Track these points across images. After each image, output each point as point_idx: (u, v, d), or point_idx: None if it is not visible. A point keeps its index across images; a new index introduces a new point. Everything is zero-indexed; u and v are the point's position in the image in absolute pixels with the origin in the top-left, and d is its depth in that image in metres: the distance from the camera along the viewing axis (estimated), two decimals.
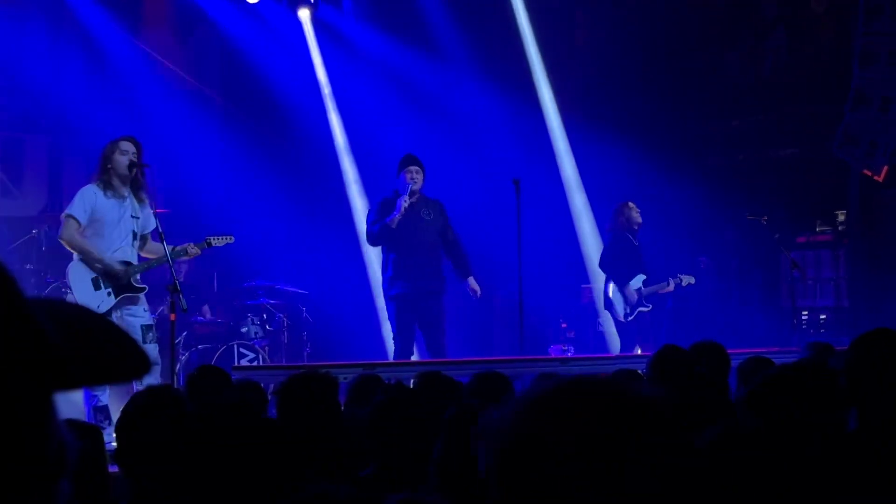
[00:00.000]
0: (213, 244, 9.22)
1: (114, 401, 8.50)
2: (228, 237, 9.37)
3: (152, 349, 8.49)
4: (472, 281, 10.70)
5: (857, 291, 13.41)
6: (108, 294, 8.55)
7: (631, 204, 12.42)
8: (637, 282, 12.35)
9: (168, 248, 8.57)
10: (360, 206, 14.23)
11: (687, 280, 12.52)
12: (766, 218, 11.80)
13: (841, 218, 13.74)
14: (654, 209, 13.92)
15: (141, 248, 8.83)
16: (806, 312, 13.31)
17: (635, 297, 12.31)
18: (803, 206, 13.73)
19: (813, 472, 3.24)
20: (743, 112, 14.52)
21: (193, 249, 8.97)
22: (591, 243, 14.35)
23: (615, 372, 6.71)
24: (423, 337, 10.60)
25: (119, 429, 3.69)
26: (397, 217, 10.27)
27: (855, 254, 13.53)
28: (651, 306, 12.37)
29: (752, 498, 2.86)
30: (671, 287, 12.41)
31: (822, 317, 13.42)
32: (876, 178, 13.06)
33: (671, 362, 5.73)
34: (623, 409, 1.36)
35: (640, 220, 12.40)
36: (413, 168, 10.49)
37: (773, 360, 6.49)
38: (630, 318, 12.32)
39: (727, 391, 5.65)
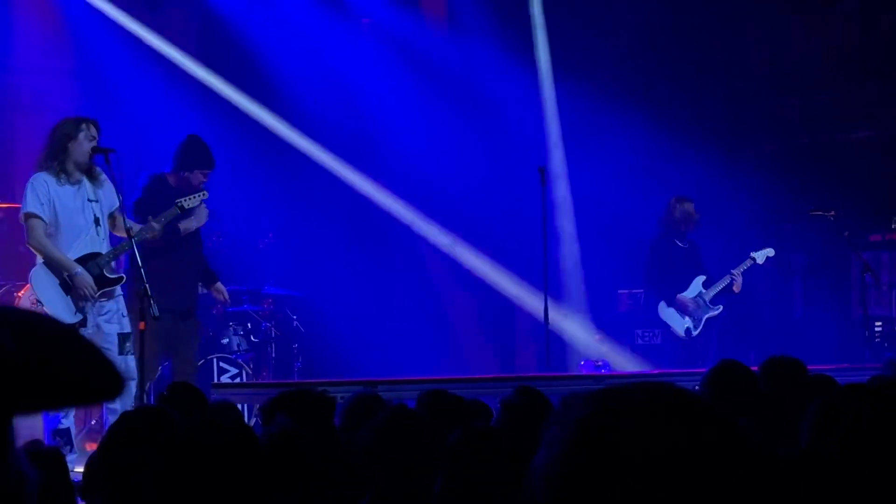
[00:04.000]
0: (186, 206, 9.18)
1: (76, 422, 8.54)
2: (202, 192, 9.33)
3: (129, 361, 8.50)
4: (220, 286, 10.28)
5: None
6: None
7: (681, 200, 12.47)
8: (695, 287, 12.41)
9: (133, 229, 8.56)
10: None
11: (763, 255, 12.52)
12: (833, 213, 11.78)
13: None
14: (702, 204, 13.88)
15: (112, 227, 8.81)
16: (880, 323, 13.25)
17: (693, 306, 12.36)
18: (877, 200, 13.68)
19: None
20: (808, 89, 14.47)
21: (155, 225, 8.91)
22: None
23: None
24: (171, 362, 10.15)
25: (103, 452, 3.71)
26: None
27: None
28: (721, 308, 12.45)
29: None
30: (739, 278, 12.42)
31: None
32: None
33: (731, 379, 5.70)
34: (705, 424, 1.35)
35: (695, 217, 12.46)
36: (209, 172, 10.05)
37: (842, 378, 6.49)
38: (697, 332, 12.38)
39: (798, 414, 5.63)
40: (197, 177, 9.96)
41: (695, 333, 12.45)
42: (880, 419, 3.62)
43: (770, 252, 12.60)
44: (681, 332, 12.47)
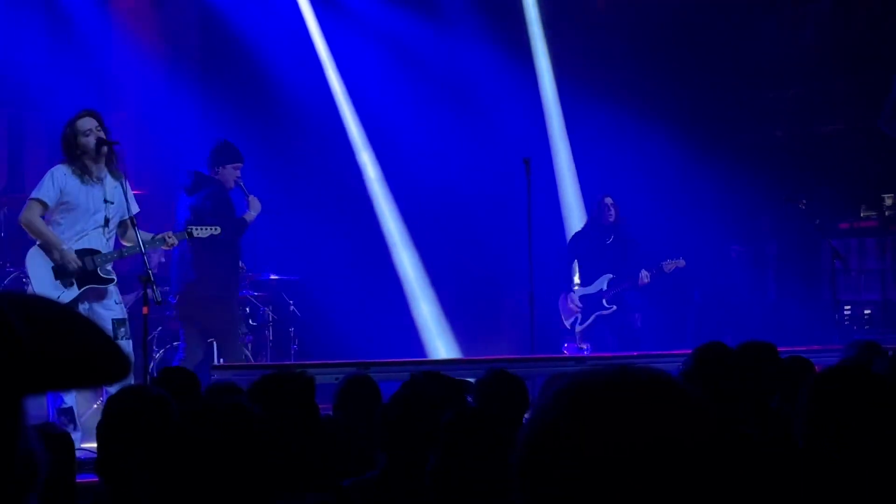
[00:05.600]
0: (196, 235, 9.23)
1: (80, 402, 8.53)
2: (213, 228, 9.38)
3: (125, 346, 8.47)
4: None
5: None
6: (71, 284, 8.54)
7: (605, 199, 12.54)
8: (599, 284, 12.46)
9: (143, 237, 8.57)
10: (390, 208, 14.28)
11: (672, 265, 12.49)
12: (804, 202, 11.81)
13: (888, 202, 13.71)
14: (680, 192, 13.91)
15: (122, 235, 8.82)
16: (849, 307, 13.30)
17: (578, 303, 12.49)
18: (846, 189, 13.71)
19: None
20: (780, 83, 14.49)
21: (172, 239, 8.97)
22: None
23: None
24: (217, 345, 10.66)
25: (101, 431, 3.72)
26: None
27: None
28: (614, 307, 12.46)
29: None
30: (645, 279, 12.41)
31: (867, 312, 13.41)
32: None
33: (714, 362, 5.70)
34: (668, 404, 1.35)
35: (612, 215, 12.52)
36: (240, 166, 10.64)
37: (812, 359, 6.52)
38: (583, 327, 12.45)
39: (770, 396, 5.65)
40: (231, 172, 10.45)
41: (579, 328, 12.51)
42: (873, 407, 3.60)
43: (680, 263, 12.51)
44: (567, 324, 12.57)
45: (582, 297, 12.59)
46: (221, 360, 10.37)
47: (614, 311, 12.56)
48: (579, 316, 12.54)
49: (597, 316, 12.54)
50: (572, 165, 14.51)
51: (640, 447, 1.32)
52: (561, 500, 1.32)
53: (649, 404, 1.36)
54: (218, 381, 6.09)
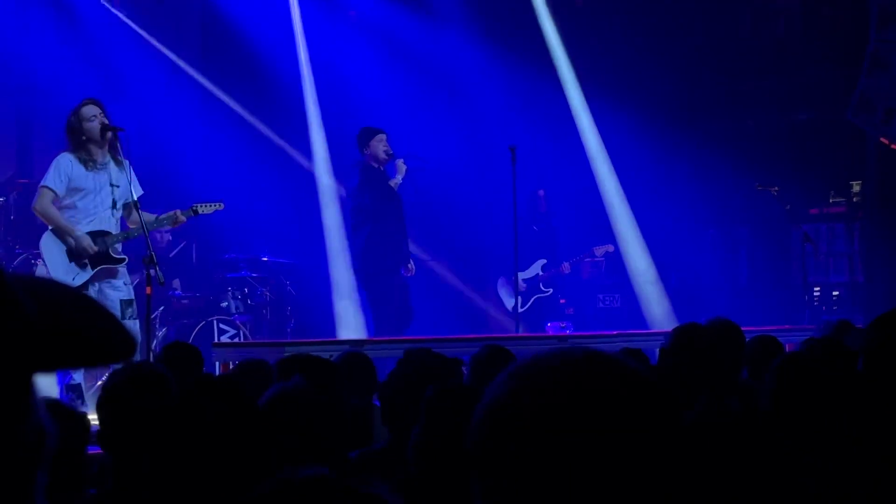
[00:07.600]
0: (201, 212, 9.17)
1: (86, 378, 8.52)
2: (217, 204, 9.31)
3: (132, 325, 8.45)
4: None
5: (872, 266, 13.44)
6: (85, 266, 8.50)
7: (539, 191, 12.97)
8: (534, 269, 12.59)
9: (148, 217, 8.54)
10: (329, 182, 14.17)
11: (602, 250, 12.78)
12: (776, 188, 11.83)
13: (856, 189, 13.75)
14: (657, 178, 13.91)
15: (127, 217, 8.78)
16: (818, 288, 13.35)
17: (524, 287, 12.53)
18: (816, 176, 13.73)
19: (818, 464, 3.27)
20: (753, 75, 14.49)
21: (181, 217, 8.92)
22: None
23: (619, 351, 6.68)
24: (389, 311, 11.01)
25: (101, 407, 3.71)
26: None
27: (870, 227, 13.54)
28: (551, 290, 12.65)
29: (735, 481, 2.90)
30: (566, 269, 12.87)
31: (835, 293, 13.46)
32: (893, 146, 13.05)
33: (691, 341, 5.68)
34: (618, 382, 1.35)
35: (543, 205, 13.06)
36: (383, 136, 11.00)
37: (784, 338, 6.54)
38: (523, 309, 12.54)
39: (738, 373, 5.66)
40: (376, 146, 10.91)
41: (521, 310, 12.60)
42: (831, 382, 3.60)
43: (609, 248, 12.86)
44: (508, 306, 12.68)
45: (524, 281, 12.71)
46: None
47: (550, 294, 12.82)
48: (520, 298, 12.63)
49: (536, 298, 12.70)
50: (610, 163, 14.36)
51: (588, 422, 1.31)
52: (512, 479, 1.32)
53: (596, 381, 1.35)
54: (249, 359, 6.03)
